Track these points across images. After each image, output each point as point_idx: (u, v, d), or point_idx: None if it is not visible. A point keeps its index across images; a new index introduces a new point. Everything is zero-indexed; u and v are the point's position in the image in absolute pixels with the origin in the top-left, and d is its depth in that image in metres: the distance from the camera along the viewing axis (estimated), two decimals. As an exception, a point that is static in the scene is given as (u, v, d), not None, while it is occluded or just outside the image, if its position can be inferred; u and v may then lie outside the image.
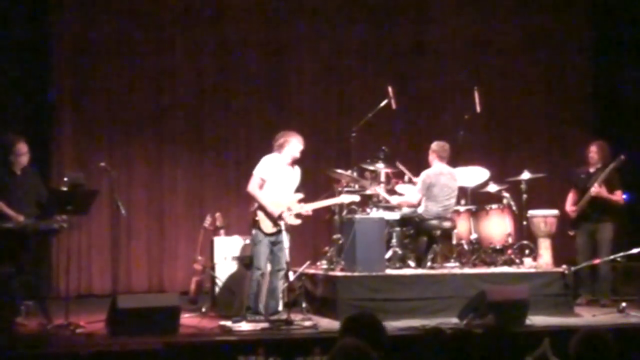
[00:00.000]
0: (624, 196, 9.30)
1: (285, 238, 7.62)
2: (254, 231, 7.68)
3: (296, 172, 7.86)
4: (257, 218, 7.63)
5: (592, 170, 9.25)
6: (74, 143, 10.54)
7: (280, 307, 7.94)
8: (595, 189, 8.98)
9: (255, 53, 11.23)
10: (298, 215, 7.73)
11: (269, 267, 7.80)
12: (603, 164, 9.17)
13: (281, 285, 7.80)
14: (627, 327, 7.58)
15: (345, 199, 8.29)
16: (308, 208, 7.79)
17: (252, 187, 7.69)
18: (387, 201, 9.00)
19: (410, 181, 9.18)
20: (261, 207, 7.63)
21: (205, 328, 7.51)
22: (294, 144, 7.76)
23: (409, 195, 8.99)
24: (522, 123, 11.98)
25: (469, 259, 9.12)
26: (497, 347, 4.23)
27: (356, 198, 8.42)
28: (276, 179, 7.72)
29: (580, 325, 7.61)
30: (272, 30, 11.30)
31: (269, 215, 7.61)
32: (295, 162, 7.87)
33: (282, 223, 7.59)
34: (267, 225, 7.62)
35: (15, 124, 9.74)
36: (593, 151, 9.26)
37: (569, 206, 9.28)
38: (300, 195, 7.80)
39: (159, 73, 10.91)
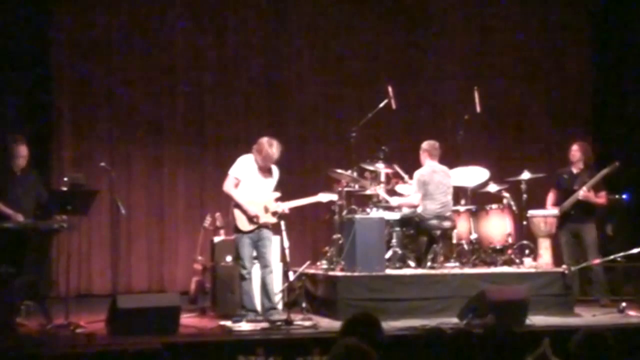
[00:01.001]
0: (624, 196, 9.30)
1: (284, 238, 7.64)
2: (235, 234, 7.72)
3: (273, 172, 7.86)
4: (234, 218, 7.65)
5: (575, 170, 9.29)
6: (74, 143, 10.54)
7: (280, 306, 7.96)
8: (585, 193, 9.01)
9: (255, 53, 11.23)
10: (275, 214, 7.72)
11: (258, 265, 7.83)
12: (585, 165, 9.23)
13: (271, 280, 7.80)
14: (627, 327, 7.58)
15: (322, 197, 8.23)
16: (285, 207, 7.77)
17: (228, 186, 7.74)
18: (388, 202, 9.01)
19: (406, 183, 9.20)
20: (237, 206, 7.66)
21: (205, 328, 7.51)
22: (265, 158, 7.68)
23: (410, 197, 8.98)
24: (522, 123, 11.98)
25: (469, 259, 9.13)
26: (497, 347, 4.23)
27: (334, 197, 8.40)
28: (251, 179, 7.75)
29: (580, 325, 7.62)
30: (272, 30, 11.30)
31: (245, 213, 7.64)
32: (274, 163, 7.83)
33: (264, 220, 7.63)
34: (243, 224, 7.65)
35: (15, 124, 9.74)
36: (575, 150, 9.31)
37: (550, 206, 9.28)
38: (277, 194, 7.81)
39: (159, 73, 10.91)
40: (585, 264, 8.91)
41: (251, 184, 7.74)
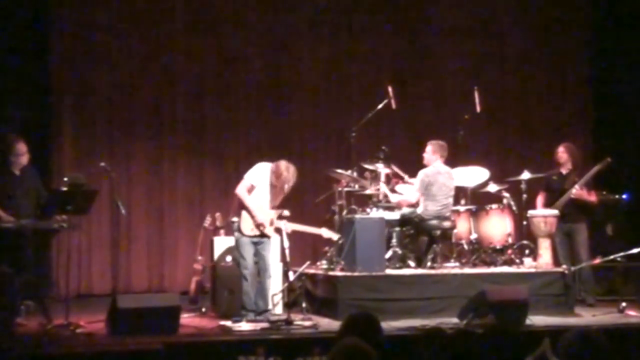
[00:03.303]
0: (624, 196, 9.30)
1: (284, 238, 7.65)
2: (236, 233, 7.71)
3: (285, 189, 7.82)
4: (239, 218, 7.65)
5: (564, 171, 9.32)
6: (74, 143, 10.54)
7: (280, 306, 7.95)
8: (578, 191, 9.03)
9: (255, 53, 11.23)
10: (277, 230, 7.71)
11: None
12: (573, 165, 9.25)
13: (269, 283, 7.81)
14: (627, 327, 7.58)
15: (324, 233, 8.08)
16: (289, 227, 7.73)
17: (241, 189, 7.72)
18: (387, 198, 9.00)
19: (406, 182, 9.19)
20: (246, 209, 7.65)
21: (205, 328, 7.51)
22: (283, 181, 7.65)
23: (408, 194, 9.00)
24: (522, 123, 11.98)
25: (469, 259, 9.13)
26: (497, 347, 4.23)
27: (335, 236, 8.24)
28: (264, 188, 7.73)
29: (580, 325, 7.63)
30: (272, 30, 11.30)
31: (252, 218, 7.64)
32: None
33: (267, 232, 7.64)
34: (247, 227, 7.65)
35: (15, 124, 9.74)
36: (561, 152, 9.35)
37: (540, 208, 9.28)
38: (286, 213, 7.79)
39: (159, 73, 10.91)
40: (585, 263, 8.93)
41: (263, 193, 7.74)
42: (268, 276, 7.75)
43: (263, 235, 7.69)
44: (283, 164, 7.72)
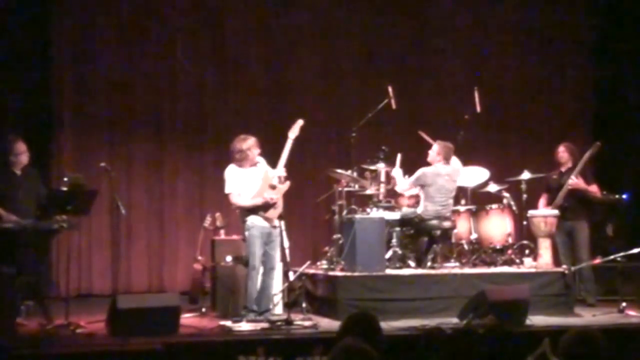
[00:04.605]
0: (624, 196, 9.29)
1: (284, 238, 7.65)
2: (246, 233, 7.70)
3: (261, 167, 7.85)
4: (248, 219, 7.65)
5: (564, 170, 9.31)
6: (74, 143, 10.54)
7: (280, 306, 7.95)
8: (573, 181, 9.02)
9: (255, 53, 11.23)
10: (280, 181, 7.73)
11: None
12: (574, 164, 9.24)
13: (274, 284, 7.81)
14: (627, 327, 7.58)
15: (292, 134, 8.01)
16: (280, 172, 7.74)
17: (235, 200, 7.74)
18: (392, 179, 9.02)
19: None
20: (251, 208, 7.66)
21: (205, 328, 7.51)
22: (252, 153, 7.79)
23: (402, 180, 8.98)
24: (522, 123, 11.98)
25: (469, 259, 9.14)
26: (497, 347, 4.23)
27: (300, 122, 8.12)
28: (245, 182, 7.75)
29: (580, 325, 7.62)
30: (272, 30, 11.31)
31: (260, 208, 7.65)
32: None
33: (278, 195, 7.68)
34: (261, 218, 7.65)
35: (15, 124, 9.74)
36: (562, 151, 9.35)
37: (542, 208, 9.27)
38: (263, 165, 7.83)
39: (159, 73, 10.91)
40: (585, 263, 8.93)
41: (247, 185, 7.74)
42: (274, 275, 7.75)
43: (274, 226, 7.69)
44: (239, 138, 7.89)
